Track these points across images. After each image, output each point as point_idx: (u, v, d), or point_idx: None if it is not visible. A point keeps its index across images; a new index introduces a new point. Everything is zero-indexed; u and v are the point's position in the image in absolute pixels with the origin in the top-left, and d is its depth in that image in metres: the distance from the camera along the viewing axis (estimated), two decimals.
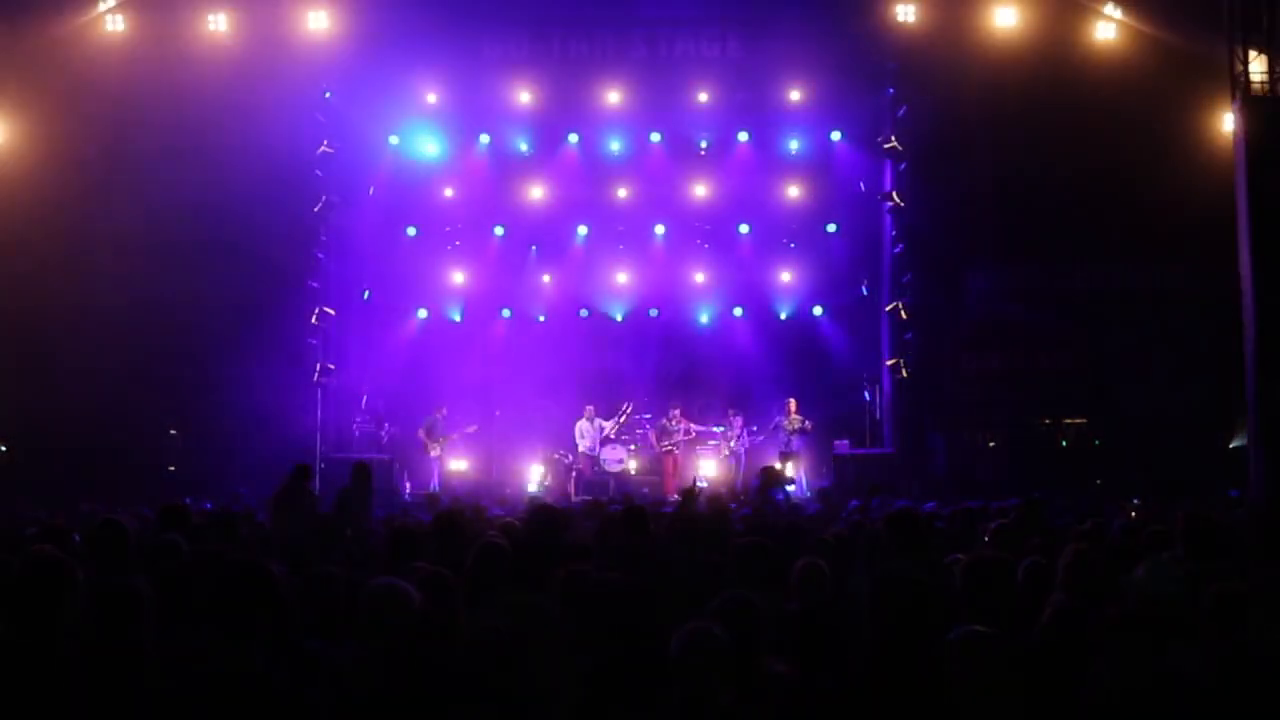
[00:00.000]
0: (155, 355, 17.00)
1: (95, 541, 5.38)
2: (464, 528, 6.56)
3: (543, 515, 6.82)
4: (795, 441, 17.42)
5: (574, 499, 15.92)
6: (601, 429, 18.35)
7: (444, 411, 17.96)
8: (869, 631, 3.72)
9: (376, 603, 3.89)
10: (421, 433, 17.79)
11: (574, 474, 17.97)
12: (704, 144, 19.18)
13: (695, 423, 18.44)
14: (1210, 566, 5.43)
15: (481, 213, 19.89)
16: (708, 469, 18.44)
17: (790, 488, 13.71)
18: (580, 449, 18.17)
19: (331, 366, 18.00)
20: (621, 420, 18.58)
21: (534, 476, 18.16)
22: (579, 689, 3.82)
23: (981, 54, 16.34)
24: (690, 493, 9.65)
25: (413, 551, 5.50)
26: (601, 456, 18.37)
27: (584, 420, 18.24)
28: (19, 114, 16.87)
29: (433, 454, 17.71)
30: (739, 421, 18.12)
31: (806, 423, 17.48)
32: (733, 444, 18.05)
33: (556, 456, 18.19)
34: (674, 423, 18.07)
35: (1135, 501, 12.65)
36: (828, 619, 4.56)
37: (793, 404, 17.66)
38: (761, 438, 18.16)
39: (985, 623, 3.68)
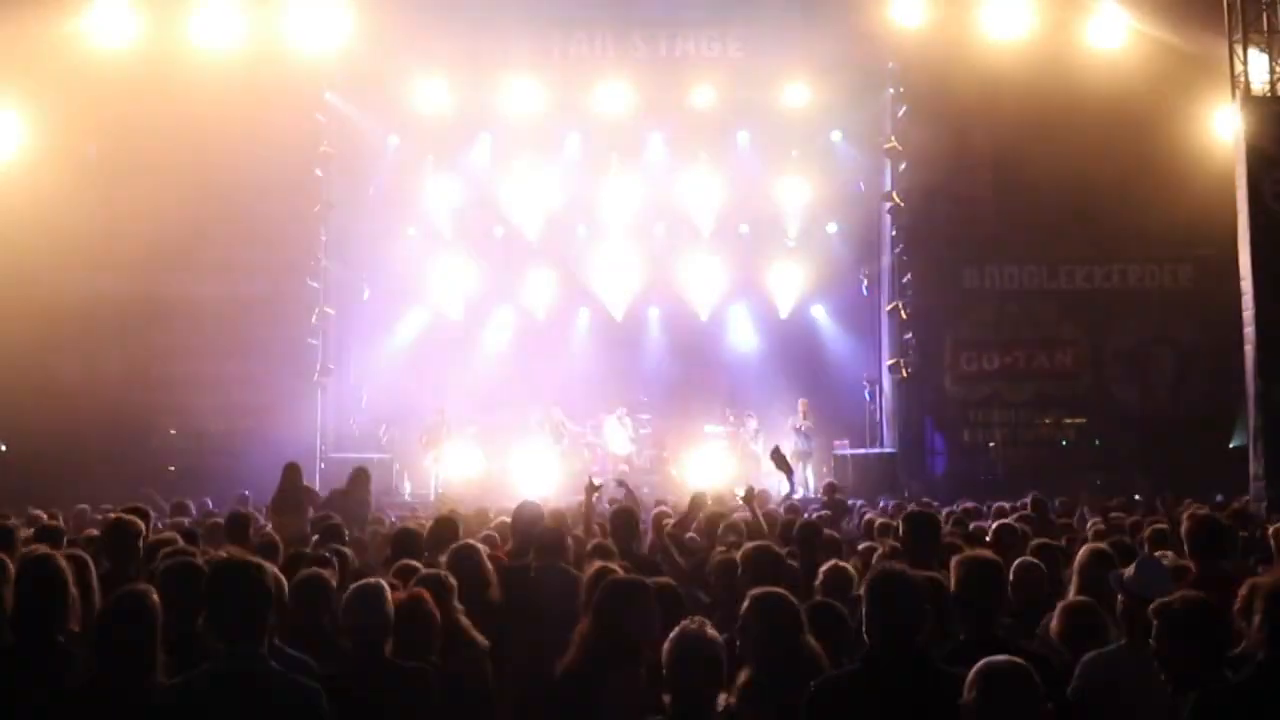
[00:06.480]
0: (155, 355, 16.98)
1: (106, 541, 5.38)
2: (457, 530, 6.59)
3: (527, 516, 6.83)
4: (809, 442, 17.50)
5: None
6: (627, 427, 18.28)
7: (443, 412, 17.82)
8: (865, 629, 3.72)
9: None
10: (421, 439, 17.60)
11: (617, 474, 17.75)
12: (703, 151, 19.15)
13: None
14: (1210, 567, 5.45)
15: (481, 213, 19.87)
16: (711, 469, 18.39)
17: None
18: (610, 449, 18.14)
19: (331, 366, 17.98)
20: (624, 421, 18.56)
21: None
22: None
23: (981, 54, 16.32)
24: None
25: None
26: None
27: (613, 419, 18.21)
28: (20, 114, 16.83)
29: (428, 461, 17.53)
30: (753, 422, 18.10)
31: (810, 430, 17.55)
32: (748, 443, 18.02)
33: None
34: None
35: (1134, 499, 12.65)
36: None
37: (804, 405, 17.67)
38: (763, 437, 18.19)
39: None
